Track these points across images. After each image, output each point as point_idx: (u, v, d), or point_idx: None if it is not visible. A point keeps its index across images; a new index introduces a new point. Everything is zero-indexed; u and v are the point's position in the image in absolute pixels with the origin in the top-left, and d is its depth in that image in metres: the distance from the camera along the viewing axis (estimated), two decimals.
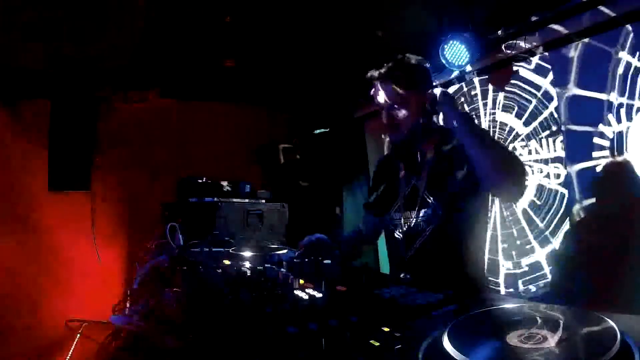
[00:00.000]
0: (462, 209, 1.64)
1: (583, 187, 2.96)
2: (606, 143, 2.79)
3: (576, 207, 3.00)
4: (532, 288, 3.29)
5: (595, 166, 2.85)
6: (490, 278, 3.49)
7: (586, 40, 2.87)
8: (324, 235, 1.93)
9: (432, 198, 1.70)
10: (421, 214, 1.72)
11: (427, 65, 1.81)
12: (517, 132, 3.42)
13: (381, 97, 1.74)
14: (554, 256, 3.13)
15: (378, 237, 2.19)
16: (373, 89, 1.79)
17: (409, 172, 1.82)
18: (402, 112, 1.71)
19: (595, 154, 2.86)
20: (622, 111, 2.68)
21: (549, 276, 3.17)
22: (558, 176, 3.11)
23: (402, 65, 1.74)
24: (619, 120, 2.70)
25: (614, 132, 2.74)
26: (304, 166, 5.05)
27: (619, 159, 2.69)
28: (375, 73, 1.76)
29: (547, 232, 3.19)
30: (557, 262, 3.11)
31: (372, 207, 2.03)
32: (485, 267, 1.81)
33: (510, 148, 3.47)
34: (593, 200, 2.89)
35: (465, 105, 3.88)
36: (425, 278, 1.61)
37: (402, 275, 1.64)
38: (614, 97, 2.73)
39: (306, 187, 4.95)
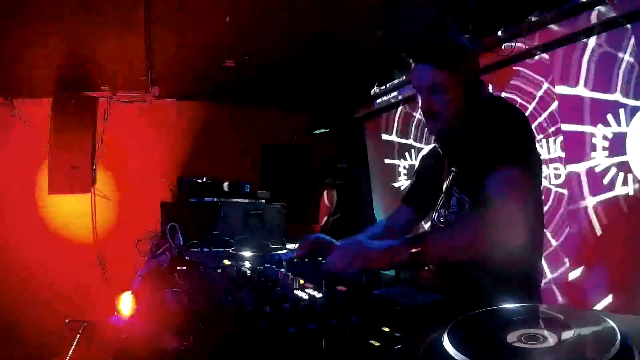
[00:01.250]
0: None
1: (582, 187, 2.97)
2: (605, 143, 2.79)
3: (575, 207, 3.00)
4: None
5: (594, 166, 2.85)
6: None
7: (586, 40, 2.87)
8: (322, 234, 1.88)
9: (458, 188, 1.53)
10: (451, 207, 1.55)
11: (474, 47, 1.56)
12: None
13: (418, 80, 1.50)
14: None
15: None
16: (410, 71, 1.56)
17: (450, 163, 1.61)
18: (442, 98, 1.46)
19: (594, 154, 2.86)
20: (622, 112, 2.68)
21: (550, 276, 3.17)
22: (559, 176, 3.11)
23: (443, 45, 1.48)
24: (618, 122, 2.70)
25: (613, 133, 2.74)
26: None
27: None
28: (413, 51, 1.51)
29: (547, 232, 3.19)
30: None
31: (413, 202, 1.84)
32: (537, 274, 1.52)
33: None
34: (593, 199, 2.89)
35: None
36: (453, 280, 1.47)
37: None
38: (614, 98, 2.73)
39: (306, 187, 4.96)
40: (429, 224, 1.78)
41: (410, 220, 1.86)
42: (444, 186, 1.61)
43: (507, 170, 1.28)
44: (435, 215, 1.63)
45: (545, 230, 3.06)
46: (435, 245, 1.24)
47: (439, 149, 1.64)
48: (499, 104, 1.52)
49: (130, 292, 1.72)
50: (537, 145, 3.25)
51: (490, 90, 1.53)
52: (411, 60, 1.52)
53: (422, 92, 1.49)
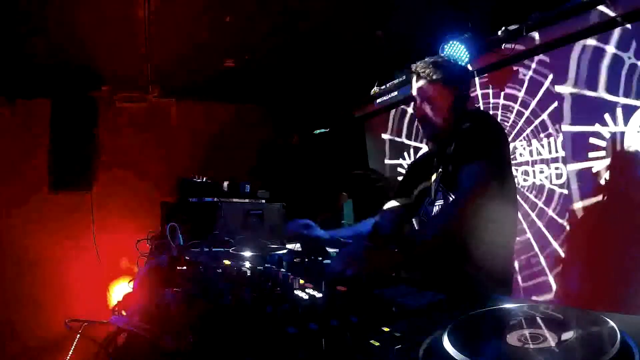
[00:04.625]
0: None
1: (580, 187, 2.97)
2: (603, 143, 2.79)
3: (573, 207, 3.00)
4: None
5: (594, 166, 2.85)
6: None
7: (586, 40, 2.87)
8: (308, 220, 1.93)
9: (443, 187, 1.74)
10: (436, 205, 1.76)
11: (465, 66, 1.89)
12: (517, 132, 3.42)
13: (414, 90, 1.82)
14: None
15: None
16: (412, 81, 1.86)
17: (438, 164, 1.85)
18: (432, 108, 1.77)
19: (591, 154, 2.86)
20: (619, 111, 2.68)
21: (549, 276, 3.17)
22: (560, 176, 3.11)
23: (439, 63, 1.79)
24: (615, 121, 2.71)
25: (610, 133, 2.74)
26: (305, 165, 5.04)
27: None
28: (415, 66, 1.82)
29: (547, 233, 3.19)
30: None
31: (403, 198, 2.01)
32: (508, 263, 1.75)
33: (511, 148, 3.47)
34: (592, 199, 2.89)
35: None
36: (433, 275, 1.59)
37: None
38: (613, 98, 2.73)
39: (306, 187, 4.95)
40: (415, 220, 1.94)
41: (400, 215, 2.02)
42: (432, 183, 1.83)
43: (476, 164, 1.54)
44: (422, 210, 1.84)
45: (545, 230, 3.05)
46: (423, 238, 1.46)
47: (430, 150, 1.92)
48: (478, 115, 1.89)
49: (130, 292, 1.72)
50: (538, 145, 3.26)
51: (476, 106, 1.88)
52: (411, 73, 1.83)
53: (416, 100, 1.81)
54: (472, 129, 1.65)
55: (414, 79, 1.82)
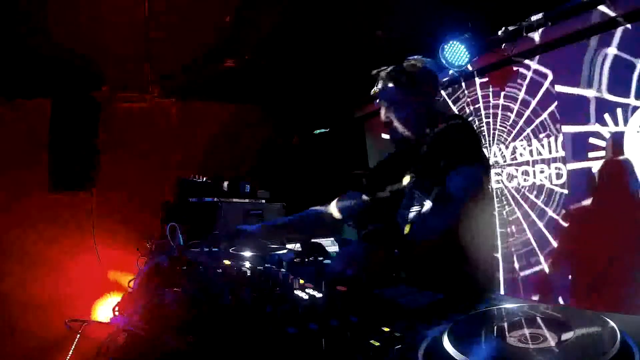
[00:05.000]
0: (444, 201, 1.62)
1: (578, 187, 2.97)
2: (602, 143, 2.80)
3: (573, 207, 3.00)
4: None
5: (594, 166, 2.85)
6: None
7: (586, 40, 2.87)
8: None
9: (418, 190, 1.75)
10: (412, 210, 1.76)
11: (435, 69, 1.83)
12: (517, 132, 3.42)
13: (382, 95, 1.80)
14: None
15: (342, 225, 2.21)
16: (375, 87, 1.84)
17: (408, 169, 1.85)
18: (401, 113, 1.76)
19: (591, 154, 2.87)
20: (619, 111, 2.68)
21: (550, 276, 3.17)
22: (560, 176, 3.11)
23: (403, 67, 1.78)
24: (615, 121, 2.71)
25: (610, 133, 2.74)
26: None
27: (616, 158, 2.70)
28: (379, 72, 1.81)
29: (546, 232, 3.19)
30: None
31: (371, 193, 2.01)
32: (487, 265, 1.75)
33: (511, 148, 3.47)
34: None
35: (466, 107, 3.88)
36: (432, 275, 1.58)
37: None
38: (613, 98, 2.73)
39: (306, 187, 4.95)
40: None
41: (361, 207, 2.04)
42: (405, 188, 1.82)
43: (465, 169, 1.55)
44: (398, 215, 1.83)
45: (545, 230, 3.05)
46: (422, 239, 1.47)
47: (399, 156, 1.91)
48: (451, 118, 1.84)
49: (130, 292, 1.72)
50: (539, 144, 3.26)
51: (445, 107, 1.88)
52: (377, 79, 1.82)
53: (383, 106, 1.80)
54: (454, 133, 1.67)
55: (380, 84, 1.81)
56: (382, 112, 1.81)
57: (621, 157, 2.69)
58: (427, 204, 1.71)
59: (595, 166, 2.85)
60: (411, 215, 1.76)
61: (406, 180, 1.84)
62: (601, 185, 2.83)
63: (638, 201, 2.61)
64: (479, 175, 1.59)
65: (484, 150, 1.79)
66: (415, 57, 1.83)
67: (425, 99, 1.77)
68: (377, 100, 1.84)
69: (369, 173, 2.14)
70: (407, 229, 1.79)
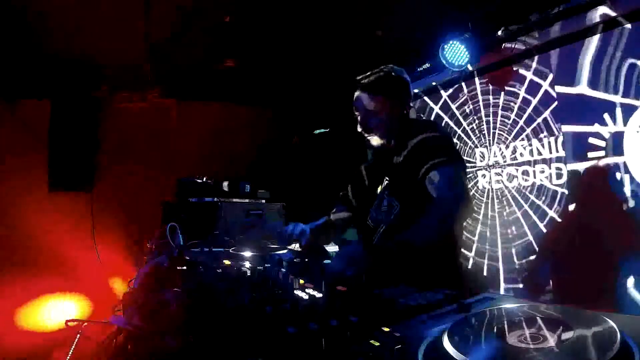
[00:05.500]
0: (417, 205, 1.66)
1: (581, 186, 2.97)
2: (602, 143, 2.80)
3: (573, 206, 3.00)
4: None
5: (593, 166, 2.85)
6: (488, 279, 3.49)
7: (586, 40, 2.87)
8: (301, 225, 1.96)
9: (389, 193, 1.82)
10: (382, 207, 1.83)
11: (407, 78, 1.88)
12: (517, 132, 3.42)
13: (358, 103, 1.84)
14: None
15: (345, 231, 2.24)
16: (354, 96, 1.87)
17: (383, 173, 1.91)
18: (377, 120, 1.80)
19: (591, 154, 2.87)
20: (619, 111, 2.68)
21: (550, 275, 3.17)
22: (560, 176, 3.11)
23: (381, 77, 1.83)
24: (615, 121, 2.71)
25: (609, 132, 2.74)
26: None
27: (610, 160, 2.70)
28: (356, 81, 1.86)
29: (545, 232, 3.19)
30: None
31: (350, 203, 2.10)
32: (459, 267, 1.80)
33: (511, 148, 3.47)
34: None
35: (466, 106, 3.88)
36: (432, 275, 1.60)
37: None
38: (613, 98, 2.73)
39: (306, 187, 4.95)
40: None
41: (346, 217, 2.11)
42: (378, 191, 1.89)
43: (445, 169, 1.60)
44: (368, 216, 1.89)
45: (545, 230, 3.05)
46: (414, 240, 1.47)
47: (377, 162, 1.96)
48: (425, 123, 1.96)
49: (130, 292, 1.72)
50: (539, 144, 3.26)
51: (415, 113, 1.90)
52: (356, 86, 1.84)
53: (360, 113, 1.84)
54: (431, 137, 1.73)
55: (358, 91, 1.84)
56: (359, 119, 1.85)
57: (620, 157, 2.69)
58: (396, 206, 1.77)
59: (595, 166, 2.85)
60: (380, 214, 1.82)
61: (380, 186, 1.89)
62: (601, 184, 2.83)
63: (637, 201, 2.61)
64: (459, 175, 1.64)
65: (461, 154, 1.84)
66: (389, 65, 1.87)
67: (398, 107, 1.82)
68: (354, 108, 1.87)
69: (350, 184, 2.17)
70: (377, 229, 1.82)
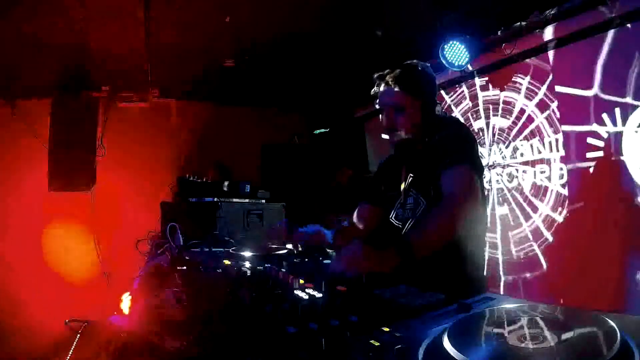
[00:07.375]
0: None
1: (581, 186, 2.97)
2: (601, 143, 2.80)
3: (573, 206, 3.00)
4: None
5: (593, 166, 2.85)
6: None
7: (586, 40, 2.87)
8: (318, 226, 1.95)
9: (415, 190, 1.79)
10: (407, 205, 1.80)
11: (433, 73, 1.84)
12: (517, 132, 3.42)
13: (384, 99, 1.79)
14: None
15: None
16: (376, 89, 1.83)
17: (407, 170, 1.87)
18: (402, 116, 1.75)
19: (590, 154, 2.87)
20: (618, 111, 2.68)
21: (550, 275, 3.17)
22: (561, 176, 3.11)
23: (408, 71, 1.77)
24: (614, 121, 2.71)
25: (608, 132, 2.75)
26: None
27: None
28: (382, 75, 1.80)
29: (546, 232, 3.19)
30: None
31: (374, 201, 2.05)
32: (479, 262, 1.77)
33: (511, 147, 3.47)
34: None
35: (466, 107, 3.88)
36: (432, 275, 1.59)
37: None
38: (612, 98, 2.73)
39: (306, 187, 4.95)
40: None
41: (373, 216, 2.05)
42: (402, 188, 1.85)
43: (458, 168, 1.58)
44: (393, 214, 1.87)
45: (545, 230, 3.05)
46: (419, 241, 1.44)
47: (398, 158, 1.91)
48: (449, 121, 1.91)
49: (130, 292, 1.72)
50: (539, 144, 3.26)
51: (442, 110, 1.93)
52: (380, 82, 1.81)
53: (386, 109, 1.79)
54: (451, 135, 1.70)
55: (382, 87, 1.79)
56: (384, 115, 1.79)
57: (619, 157, 2.69)
58: (423, 203, 1.74)
59: (595, 166, 2.85)
60: (407, 212, 1.79)
61: (404, 183, 1.85)
62: (600, 184, 2.83)
63: (637, 200, 2.61)
64: (471, 175, 1.60)
65: (480, 153, 1.81)
66: (415, 61, 1.83)
67: (425, 102, 1.78)
68: (377, 103, 1.83)
69: (371, 180, 2.13)
70: (405, 227, 1.80)
